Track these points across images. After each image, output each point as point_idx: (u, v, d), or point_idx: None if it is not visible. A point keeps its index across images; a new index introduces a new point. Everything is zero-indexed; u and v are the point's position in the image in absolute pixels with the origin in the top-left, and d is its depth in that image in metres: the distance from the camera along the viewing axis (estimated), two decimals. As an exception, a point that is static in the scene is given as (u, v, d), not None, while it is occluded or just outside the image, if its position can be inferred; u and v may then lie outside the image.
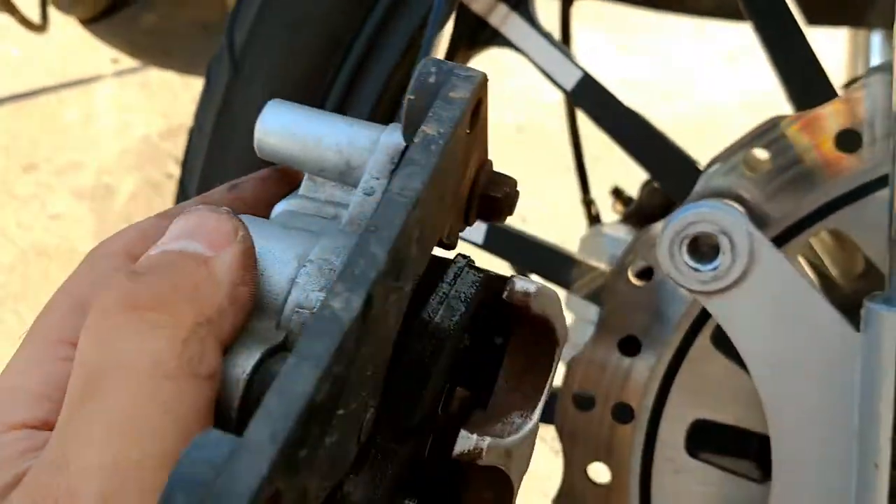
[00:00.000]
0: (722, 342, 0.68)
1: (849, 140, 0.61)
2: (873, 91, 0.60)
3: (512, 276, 0.41)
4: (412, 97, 0.40)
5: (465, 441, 0.39)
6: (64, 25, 1.65)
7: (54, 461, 0.33)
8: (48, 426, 0.35)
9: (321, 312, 0.32)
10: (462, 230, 0.46)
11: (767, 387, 0.57)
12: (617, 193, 0.94)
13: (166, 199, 2.25)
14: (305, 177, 0.45)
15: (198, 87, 0.85)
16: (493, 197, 0.45)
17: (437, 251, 0.42)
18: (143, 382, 0.33)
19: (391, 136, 0.42)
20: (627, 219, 0.89)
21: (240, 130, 0.81)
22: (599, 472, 0.73)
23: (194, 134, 0.85)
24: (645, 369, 0.69)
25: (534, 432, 0.42)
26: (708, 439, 0.71)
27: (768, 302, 0.56)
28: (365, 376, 0.35)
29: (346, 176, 0.42)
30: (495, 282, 0.43)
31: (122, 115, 2.63)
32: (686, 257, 0.56)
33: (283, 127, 0.43)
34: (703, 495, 0.69)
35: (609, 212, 1.06)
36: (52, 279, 2.07)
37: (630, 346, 0.69)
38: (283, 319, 0.37)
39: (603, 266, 0.80)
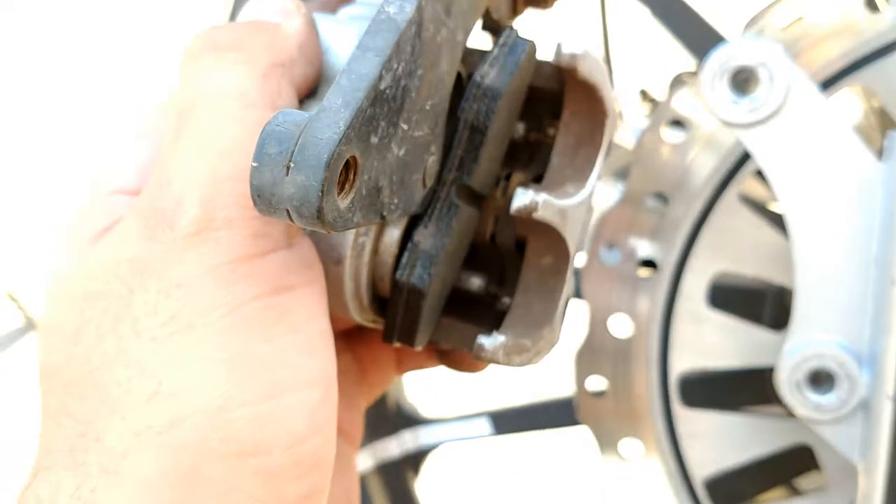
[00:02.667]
0: (749, 203, 0.73)
1: (875, 1, 0.65)
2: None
3: (559, 42, 0.44)
4: None
5: (522, 196, 0.42)
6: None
7: (159, 183, 0.37)
8: None
9: (378, 17, 0.37)
10: (511, 19, 0.50)
11: (795, 216, 0.61)
12: (643, 95, 0.98)
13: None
14: None
15: None
16: None
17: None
18: (231, 109, 0.37)
19: None
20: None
21: None
22: (620, 326, 0.77)
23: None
24: (671, 225, 0.73)
25: (587, 201, 0.46)
26: (725, 301, 0.75)
27: (801, 132, 0.60)
28: (424, 107, 0.39)
29: None
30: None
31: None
32: (727, 89, 0.60)
33: None
34: (721, 344, 0.73)
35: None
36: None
37: (659, 203, 0.74)
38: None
39: (629, 147, 0.84)
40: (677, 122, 0.73)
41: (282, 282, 0.37)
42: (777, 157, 0.61)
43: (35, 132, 2.29)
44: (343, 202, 0.34)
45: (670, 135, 0.73)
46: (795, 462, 0.76)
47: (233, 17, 0.82)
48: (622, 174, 0.84)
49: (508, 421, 0.90)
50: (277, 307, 0.37)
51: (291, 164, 0.32)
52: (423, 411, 0.94)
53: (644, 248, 0.75)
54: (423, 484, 0.94)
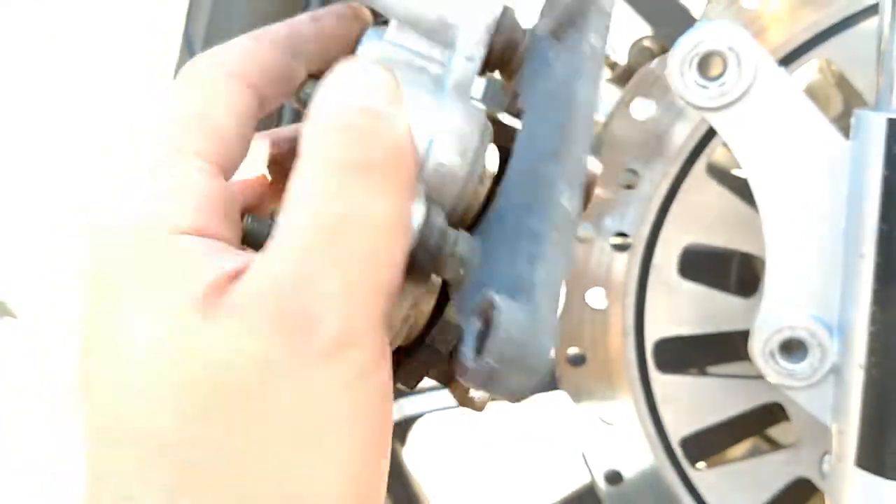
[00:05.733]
0: (715, 171, 0.75)
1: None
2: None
3: None
4: None
5: None
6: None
7: (296, 281, 0.36)
8: (208, 234, 0.38)
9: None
10: None
11: (766, 195, 0.63)
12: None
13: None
14: (393, 22, 0.44)
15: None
16: None
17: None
18: (377, 232, 0.37)
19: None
20: (616, 81, 0.94)
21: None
22: (596, 298, 0.79)
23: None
24: (642, 199, 0.75)
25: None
26: (694, 269, 0.78)
27: (769, 114, 0.62)
28: None
29: (436, 33, 0.42)
30: None
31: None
32: (695, 74, 0.62)
33: None
34: (693, 312, 0.76)
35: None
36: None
37: (631, 176, 0.75)
38: (424, 174, 0.41)
39: (599, 118, 0.86)
40: (646, 96, 0.74)
41: (387, 391, 0.39)
42: (746, 138, 0.62)
43: (34, 131, 2.25)
44: None
45: (640, 110, 0.75)
46: (767, 417, 0.79)
47: (188, 16, 0.80)
48: (594, 147, 0.85)
49: (489, 388, 0.93)
50: (385, 420, 0.39)
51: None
52: (405, 382, 0.96)
53: (617, 222, 0.77)
54: (410, 453, 0.97)
